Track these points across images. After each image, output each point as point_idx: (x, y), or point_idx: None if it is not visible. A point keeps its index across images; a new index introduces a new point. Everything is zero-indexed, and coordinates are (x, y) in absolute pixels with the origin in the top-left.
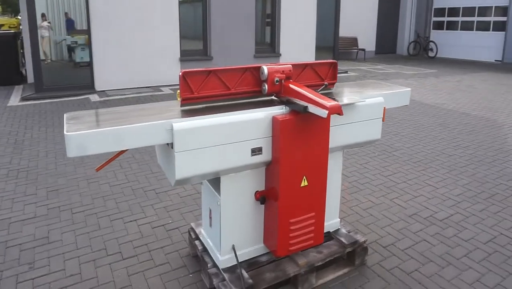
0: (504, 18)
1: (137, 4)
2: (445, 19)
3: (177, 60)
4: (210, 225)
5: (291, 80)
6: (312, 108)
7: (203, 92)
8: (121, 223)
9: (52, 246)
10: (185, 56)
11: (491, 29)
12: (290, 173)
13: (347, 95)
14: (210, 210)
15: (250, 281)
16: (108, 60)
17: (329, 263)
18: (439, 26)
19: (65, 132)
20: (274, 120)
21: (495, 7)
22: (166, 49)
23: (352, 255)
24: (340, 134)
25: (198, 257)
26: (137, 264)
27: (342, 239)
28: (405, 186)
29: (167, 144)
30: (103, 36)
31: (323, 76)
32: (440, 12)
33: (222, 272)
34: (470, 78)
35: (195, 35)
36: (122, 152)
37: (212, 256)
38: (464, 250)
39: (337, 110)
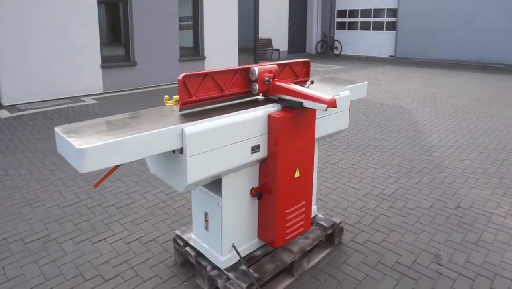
0: (394, 19)
1: (49, 5)
2: (347, 20)
3: (98, 67)
4: (206, 228)
5: (276, 79)
6: (308, 104)
7: (200, 95)
8: (89, 244)
9: (14, 283)
10: (107, 62)
11: (384, 29)
12: (287, 167)
13: (320, 90)
14: (206, 214)
15: (256, 274)
16: (16, 71)
17: (313, 246)
18: (341, 26)
19: (77, 146)
20: (272, 117)
21: (387, 9)
22: (85, 55)
23: (331, 236)
24: (318, 126)
25: (188, 264)
26: (123, 284)
27: (323, 223)
28: (352, 170)
29: (173, 151)
30: (9, 42)
31: (298, 74)
32: (342, 13)
33: (225, 272)
34: (373, 72)
35: (116, 39)
36: (117, 166)
37: (210, 258)
38: (414, 217)
39: (333, 104)
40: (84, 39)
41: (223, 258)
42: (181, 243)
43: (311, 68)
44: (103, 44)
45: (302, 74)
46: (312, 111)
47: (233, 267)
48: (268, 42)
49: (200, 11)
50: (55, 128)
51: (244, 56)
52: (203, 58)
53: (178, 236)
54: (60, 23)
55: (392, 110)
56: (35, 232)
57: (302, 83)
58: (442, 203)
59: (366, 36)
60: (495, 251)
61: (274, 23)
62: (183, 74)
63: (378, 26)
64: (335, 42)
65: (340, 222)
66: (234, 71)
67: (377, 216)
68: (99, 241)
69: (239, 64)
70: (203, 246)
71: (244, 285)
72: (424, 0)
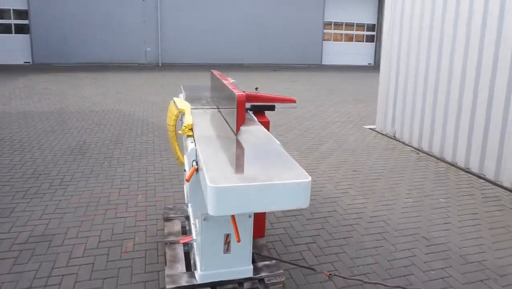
0: (26, 21)
1: None
2: None
3: None
4: (227, 250)
5: None
6: (280, 105)
7: None
8: None
9: None
10: None
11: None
12: None
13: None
14: (227, 235)
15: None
16: None
17: None
18: None
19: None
20: (265, 124)
21: (13, 9)
22: None
23: None
24: None
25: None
26: None
27: None
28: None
29: None
30: None
31: None
32: None
33: (256, 277)
34: (28, 83)
35: None
36: None
37: (235, 278)
38: None
39: None
40: None
41: (251, 266)
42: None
43: None
44: None
45: None
46: None
47: (254, 269)
48: None
49: None
50: (209, 184)
51: None
52: None
53: (177, 288)
54: None
55: (117, 114)
56: None
57: None
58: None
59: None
60: None
61: None
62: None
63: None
64: None
65: None
66: None
67: None
68: None
69: None
70: (223, 272)
71: (281, 270)
72: (57, 3)
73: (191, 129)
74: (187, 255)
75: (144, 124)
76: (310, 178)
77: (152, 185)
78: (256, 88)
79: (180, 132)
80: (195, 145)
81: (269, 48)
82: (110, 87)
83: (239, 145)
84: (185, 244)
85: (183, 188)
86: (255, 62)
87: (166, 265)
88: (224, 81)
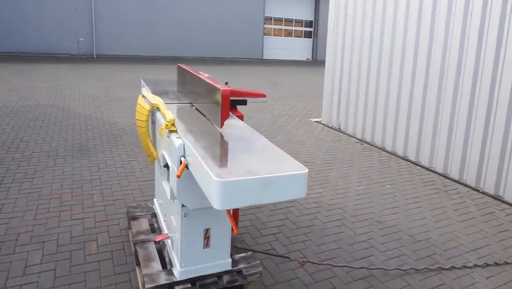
0: None
1: None
2: None
3: None
4: (207, 245)
5: None
6: (251, 100)
7: None
8: None
9: None
10: None
11: None
12: None
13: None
14: (207, 230)
15: (249, 250)
16: None
17: None
18: None
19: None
20: (239, 118)
21: None
22: None
23: None
24: None
25: None
26: None
27: None
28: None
29: None
30: None
31: None
32: None
33: (234, 269)
34: None
35: None
36: None
37: (215, 271)
38: None
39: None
40: None
41: (230, 259)
42: None
43: None
44: None
45: None
46: None
47: (232, 262)
48: None
49: None
50: (215, 179)
51: None
52: None
53: (156, 286)
54: None
55: (54, 108)
56: None
57: None
58: None
59: None
60: None
61: None
62: (230, 90)
63: None
64: None
65: None
66: None
67: None
68: None
69: None
70: (202, 267)
71: (258, 261)
72: None
73: (174, 124)
74: (160, 253)
75: (88, 119)
76: (307, 170)
77: (107, 184)
78: (226, 83)
79: (162, 127)
80: (182, 141)
81: (209, 41)
82: (40, 80)
83: (227, 139)
84: (156, 242)
85: (140, 185)
86: (196, 56)
87: (138, 265)
88: (201, 76)
